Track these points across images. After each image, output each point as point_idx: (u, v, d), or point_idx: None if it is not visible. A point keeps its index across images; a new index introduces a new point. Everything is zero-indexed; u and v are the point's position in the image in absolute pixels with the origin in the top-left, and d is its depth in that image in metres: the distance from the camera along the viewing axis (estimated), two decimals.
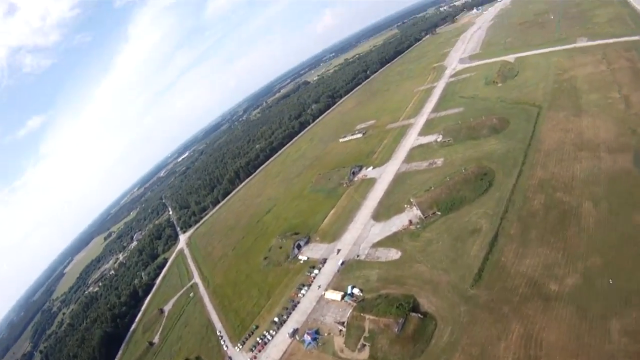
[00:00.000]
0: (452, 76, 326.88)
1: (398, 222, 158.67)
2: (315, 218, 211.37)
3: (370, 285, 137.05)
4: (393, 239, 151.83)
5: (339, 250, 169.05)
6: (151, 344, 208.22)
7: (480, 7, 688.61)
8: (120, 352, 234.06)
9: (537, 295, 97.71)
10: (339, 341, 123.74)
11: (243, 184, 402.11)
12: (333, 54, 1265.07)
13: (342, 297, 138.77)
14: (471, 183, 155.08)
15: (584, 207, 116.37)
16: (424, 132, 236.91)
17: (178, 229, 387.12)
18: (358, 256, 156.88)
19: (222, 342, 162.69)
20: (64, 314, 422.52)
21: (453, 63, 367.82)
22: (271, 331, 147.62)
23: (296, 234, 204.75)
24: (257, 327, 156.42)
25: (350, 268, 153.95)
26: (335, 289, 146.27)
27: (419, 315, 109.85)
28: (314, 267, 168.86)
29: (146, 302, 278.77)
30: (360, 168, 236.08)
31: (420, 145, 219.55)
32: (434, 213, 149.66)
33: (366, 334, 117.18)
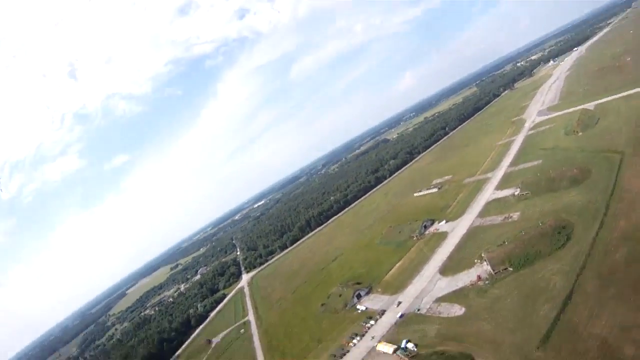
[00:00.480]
0: (531, 129, 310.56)
1: (466, 278, 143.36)
2: (381, 269, 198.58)
3: (427, 340, 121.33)
4: (458, 295, 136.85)
5: (399, 303, 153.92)
6: None
7: (556, 59, 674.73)
8: None
9: (610, 359, 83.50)
10: None
11: (313, 232, 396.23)
12: (413, 113, 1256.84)
13: (395, 351, 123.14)
14: (547, 237, 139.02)
15: None
16: (501, 186, 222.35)
17: (242, 268, 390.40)
18: (419, 310, 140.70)
19: None
20: (116, 329, 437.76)
21: (532, 116, 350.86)
22: None
23: (358, 283, 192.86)
24: None
25: (408, 321, 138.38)
26: (389, 341, 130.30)
27: None
28: (370, 318, 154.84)
29: (197, 331, 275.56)
30: (433, 222, 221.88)
31: (497, 200, 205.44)
32: (505, 269, 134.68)
33: None
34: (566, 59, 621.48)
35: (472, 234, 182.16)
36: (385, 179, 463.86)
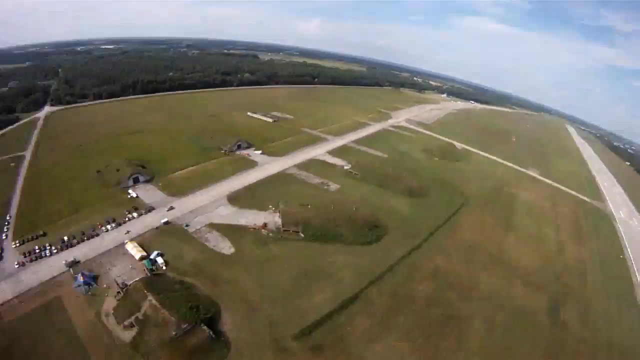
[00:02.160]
0: (393, 126, 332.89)
1: (252, 218, 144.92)
2: (172, 164, 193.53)
3: (180, 264, 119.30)
4: (235, 231, 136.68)
5: (171, 208, 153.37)
6: None
7: (450, 96, 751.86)
8: None
9: None
10: (110, 302, 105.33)
11: (135, 96, 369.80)
12: (298, 53, 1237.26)
13: (142, 258, 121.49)
14: (356, 227, 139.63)
15: (464, 316, 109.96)
16: (335, 153, 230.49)
17: (49, 100, 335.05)
18: (187, 226, 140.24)
19: (5, 230, 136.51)
20: None
21: (400, 118, 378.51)
22: (53, 248, 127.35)
23: (143, 167, 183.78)
24: (44, 234, 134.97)
25: (171, 233, 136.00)
26: (141, 245, 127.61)
27: (211, 333, 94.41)
28: (136, 209, 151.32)
29: None
30: (249, 146, 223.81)
31: (324, 162, 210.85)
32: (296, 232, 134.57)
33: (140, 316, 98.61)
34: (460, 102, 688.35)
35: (282, 178, 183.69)
36: (232, 85, 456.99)
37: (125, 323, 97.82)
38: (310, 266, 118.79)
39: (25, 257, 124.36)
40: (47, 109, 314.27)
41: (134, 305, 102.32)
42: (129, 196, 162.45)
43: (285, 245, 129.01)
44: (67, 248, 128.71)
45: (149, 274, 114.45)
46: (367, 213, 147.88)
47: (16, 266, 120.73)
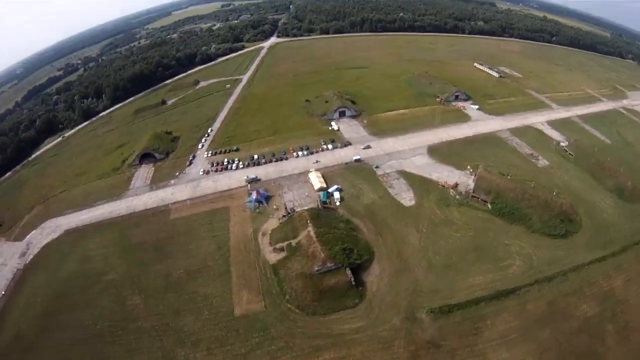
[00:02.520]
0: (626, 108, 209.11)
1: (445, 174, 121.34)
2: (383, 104, 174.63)
3: (355, 203, 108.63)
4: (422, 183, 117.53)
5: (368, 147, 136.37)
6: (164, 102, 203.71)
7: None
8: (142, 93, 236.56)
9: None
10: (271, 223, 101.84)
11: (361, 34, 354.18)
12: (537, 6, 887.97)
13: (319, 190, 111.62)
14: (548, 214, 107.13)
15: None
16: (555, 124, 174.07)
17: (276, 32, 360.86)
18: (377, 167, 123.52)
19: (203, 141, 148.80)
20: (139, 42, 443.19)
21: (637, 101, 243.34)
22: (240, 163, 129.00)
23: (353, 102, 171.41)
24: (237, 149, 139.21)
25: (357, 170, 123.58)
26: (325, 176, 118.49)
27: (352, 279, 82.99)
28: (333, 141, 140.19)
29: (195, 69, 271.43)
30: (467, 99, 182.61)
31: (540, 132, 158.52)
32: (484, 201, 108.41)
33: (293, 243, 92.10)
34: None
35: (490, 139, 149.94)
36: (463, 32, 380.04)
37: (277, 246, 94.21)
38: (483, 242, 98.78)
39: (212, 166, 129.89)
40: (273, 40, 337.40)
41: (292, 231, 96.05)
42: (330, 128, 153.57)
43: (467, 213, 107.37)
44: (253, 166, 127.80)
45: (320, 206, 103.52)
46: (566, 202, 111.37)
47: (201, 173, 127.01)
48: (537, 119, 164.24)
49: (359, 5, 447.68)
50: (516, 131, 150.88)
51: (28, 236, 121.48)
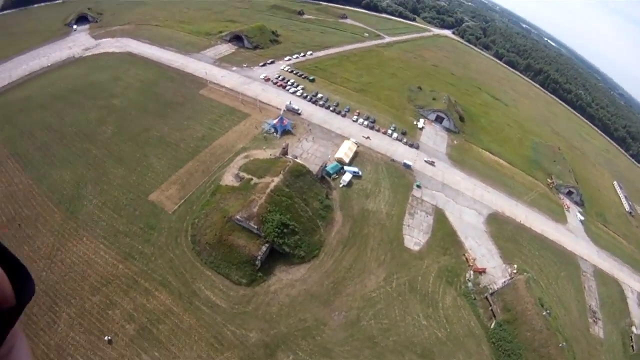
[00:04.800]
0: None
1: (483, 251, 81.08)
2: (491, 143, 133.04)
3: (357, 199, 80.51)
4: (446, 238, 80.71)
5: (432, 163, 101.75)
6: (300, 13, 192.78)
7: None
8: None
9: None
10: (262, 154, 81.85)
11: None
12: None
13: (338, 161, 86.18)
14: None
15: None
16: None
17: (453, 29, 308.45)
18: (419, 186, 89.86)
19: (296, 56, 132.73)
20: None
21: None
22: (300, 91, 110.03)
23: (461, 119, 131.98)
24: (313, 80, 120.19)
25: (395, 175, 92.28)
26: (357, 155, 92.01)
27: (260, 259, 59.66)
28: (404, 134, 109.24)
29: (352, 8, 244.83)
30: (579, 204, 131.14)
31: None
32: (492, 313, 67.71)
33: (252, 181, 70.54)
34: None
35: (567, 258, 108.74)
36: None
37: (240, 174, 74.92)
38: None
39: (276, 78, 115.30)
40: (445, 31, 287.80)
41: (264, 171, 73.61)
42: (415, 122, 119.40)
43: (459, 309, 68.55)
44: (309, 101, 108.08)
45: (317, 174, 78.21)
46: None
47: (261, 77, 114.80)
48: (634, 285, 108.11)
49: (547, 56, 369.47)
50: (600, 275, 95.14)
51: (104, 39, 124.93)
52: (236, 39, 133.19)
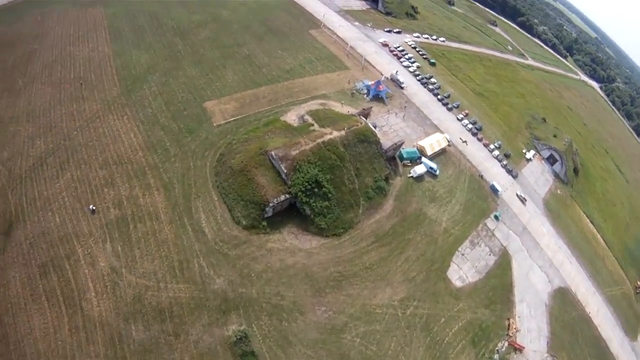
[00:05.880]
0: None
1: (532, 330, 59.69)
2: (601, 213, 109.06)
3: (422, 197, 63.51)
4: (497, 291, 60.40)
5: (523, 200, 78.03)
6: (450, 3, 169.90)
7: None
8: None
9: None
10: (342, 108, 68.51)
11: None
12: None
13: (418, 147, 69.53)
14: None
15: None
16: None
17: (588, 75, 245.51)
18: (496, 218, 67.52)
19: (428, 36, 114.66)
20: None
21: None
22: (413, 67, 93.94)
23: (575, 170, 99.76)
24: (433, 64, 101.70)
25: (476, 194, 71.96)
26: (443, 155, 73.27)
27: (276, 205, 49.63)
28: (507, 157, 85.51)
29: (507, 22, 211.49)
30: None
31: None
32: None
33: (312, 127, 57.81)
34: None
35: None
36: None
37: (305, 116, 62.47)
38: None
39: (396, 47, 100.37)
40: (585, 78, 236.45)
41: (332, 123, 59.46)
42: (524, 150, 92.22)
43: None
44: (419, 82, 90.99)
45: (392, 152, 63.34)
46: None
47: (380, 41, 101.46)
48: None
49: None
50: None
51: None
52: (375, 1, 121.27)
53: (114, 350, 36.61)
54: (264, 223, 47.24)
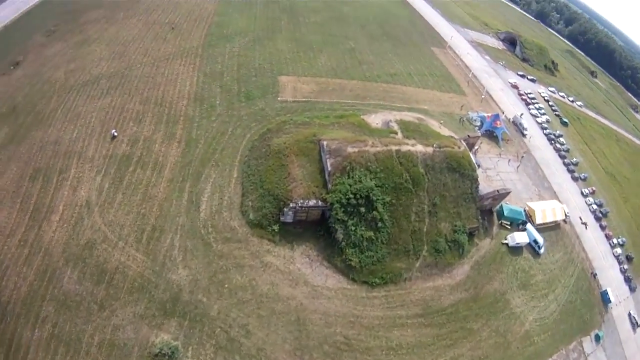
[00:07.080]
0: None
1: None
2: None
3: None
4: None
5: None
6: None
7: None
8: None
9: None
10: (442, 130, 52.21)
11: None
12: None
13: (526, 211, 47.90)
14: None
15: None
16: None
17: None
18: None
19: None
20: None
21: None
22: (542, 118, 72.69)
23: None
24: (565, 123, 78.66)
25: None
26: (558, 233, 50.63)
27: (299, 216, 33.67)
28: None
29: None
30: None
31: None
32: None
33: (395, 133, 45.73)
34: None
35: None
36: None
37: (392, 123, 48.82)
38: None
39: (520, 91, 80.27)
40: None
41: (419, 135, 42.49)
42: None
43: None
44: (549, 141, 68.91)
45: (490, 201, 44.76)
46: None
47: (510, 81, 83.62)
48: None
49: None
50: None
51: None
52: (510, 42, 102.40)
53: (40, 283, 30.28)
54: (276, 227, 33.70)
